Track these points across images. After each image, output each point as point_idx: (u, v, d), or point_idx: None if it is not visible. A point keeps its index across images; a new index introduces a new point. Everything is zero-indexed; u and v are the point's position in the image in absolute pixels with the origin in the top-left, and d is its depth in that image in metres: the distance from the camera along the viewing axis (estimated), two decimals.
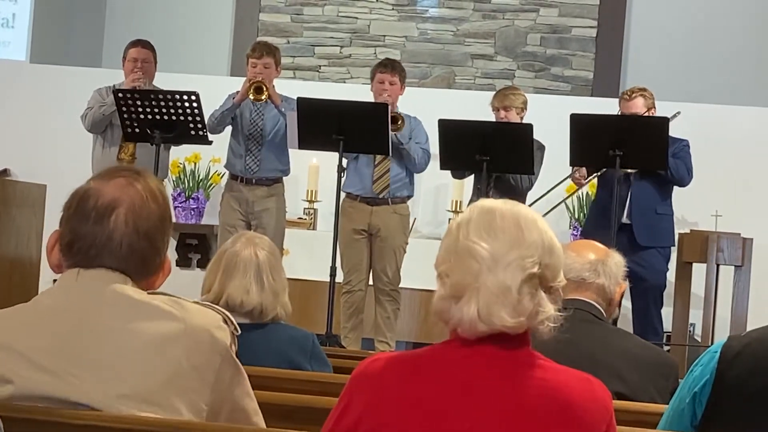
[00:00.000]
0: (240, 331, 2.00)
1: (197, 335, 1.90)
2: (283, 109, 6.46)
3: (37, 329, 1.89)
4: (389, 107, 6.18)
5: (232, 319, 1.98)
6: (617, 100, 6.64)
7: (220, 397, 1.92)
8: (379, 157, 6.45)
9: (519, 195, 6.24)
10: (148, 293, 1.95)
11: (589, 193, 7.43)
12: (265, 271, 3.16)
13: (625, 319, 6.46)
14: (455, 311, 1.80)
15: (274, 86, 6.51)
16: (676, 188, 6.46)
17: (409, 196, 6.65)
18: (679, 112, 6.46)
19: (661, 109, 6.47)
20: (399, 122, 6.35)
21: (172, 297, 1.95)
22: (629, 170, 6.28)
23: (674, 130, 6.20)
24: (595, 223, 6.38)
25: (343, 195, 6.44)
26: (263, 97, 6.38)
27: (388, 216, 6.47)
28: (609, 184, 6.22)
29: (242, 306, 3.13)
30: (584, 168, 6.39)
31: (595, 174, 6.45)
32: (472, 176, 6.58)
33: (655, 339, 6.26)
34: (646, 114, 6.33)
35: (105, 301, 1.91)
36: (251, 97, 6.39)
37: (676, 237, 6.67)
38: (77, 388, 1.84)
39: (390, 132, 6.08)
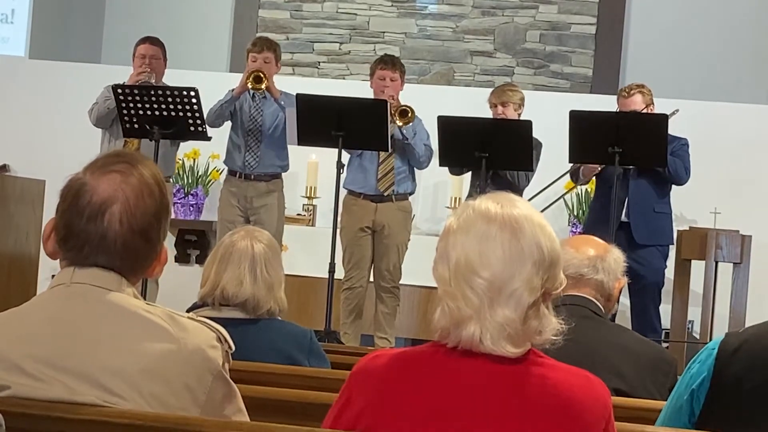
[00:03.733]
0: (234, 349, 1.98)
1: (190, 354, 1.89)
2: (282, 103, 6.47)
3: (30, 338, 1.87)
4: (389, 103, 6.18)
5: (227, 336, 1.96)
6: (616, 97, 6.63)
7: (211, 415, 1.91)
8: (383, 155, 6.45)
9: (516, 192, 6.20)
10: (146, 303, 1.94)
11: (588, 190, 7.43)
12: (260, 264, 3.15)
13: (624, 317, 6.46)
14: (455, 334, 1.79)
15: (273, 81, 6.51)
16: (674, 186, 6.46)
17: (411, 192, 6.65)
18: (677, 110, 6.46)
19: (661, 106, 6.47)
20: (409, 114, 6.34)
21: (168, 312, 1.93)
22: (628, 168, 6.27)
23: (673, 128, 6.19)
24: (595, 221, 6.37)
25: (344, 192, 6.43)
26: (262, 86, 6.38)
27: (392, 213, 6.48)
28: (608, 182, 6.22)
29: (235, 297, 3.13)
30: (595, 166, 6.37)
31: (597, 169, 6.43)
32: (470, 173, 6.58)
33: (654, 336, 6.26)
34: (645, 111, 6.32)
35: (100, 311, 1.89)
36: (249, 85, 6.39)
37: (675, 234, 6.67)
38: (70, 396, 1.84)
39: (391, 128, 6.08)
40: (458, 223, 1.82)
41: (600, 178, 6.47)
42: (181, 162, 7.94)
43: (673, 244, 6.57)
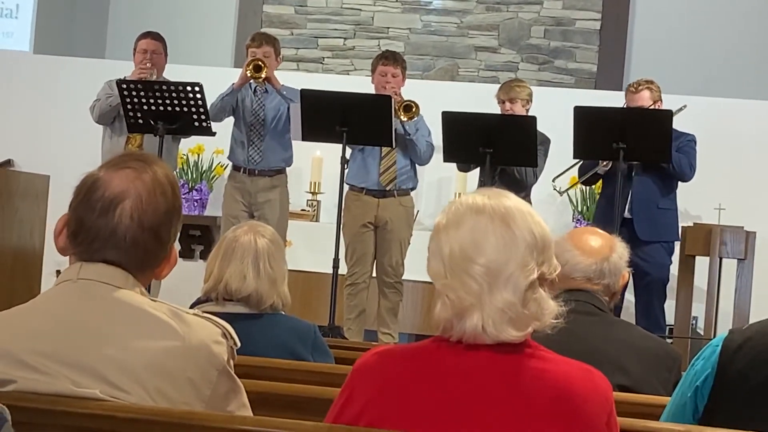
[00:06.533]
0: (239, 345, 1.98)
1: (195, 350, 1.90)
2: (284, 92, 6.47)
3: (36, 334, 1.88)
4: (393, 99, 6.18)
5: (232, 332, 1.97)
6: (621, 92, 6.61)
7: (215, 410, 1.92)
8: (385, 150, 6.45)
9: (524, 189, 6.24)
10: (151, 300, 1.94)
11: (593, 186, 7.41)
12: (263, 258, 3.15)
13: (628, 313, 6.45)
14: (459, 327, 1.79)
15: (274, 75, 6.51)
16: (680, 183, 6.45)
17: (413, 188, 6.65)
18: (685, 106, 6.44)
19: (669, 102, 6.45)
20: (413, 109, 6.34)
21: (173, 308, 1.94)
22: (632, 164, 6.26)
23: (678, 124, 6.19)
24: (602, 216, 6.37)
25: (347, 187, 6.44)
26: (262, 74, 6.38)
27: (394, 208, 6.48)
28: (613, 177, 6.21)
29: (239, 292, 3.13)
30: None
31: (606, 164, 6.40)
32: (478, 169, 6.57)
33: (659, 333, 6.26)
34: (652, 107, 6.30)
35: (105, 308, 1.90)
36: (249, 74, 6.39)
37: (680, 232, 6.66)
38: (75, 391, 1.84)
39: (394, 123, 6.08)
40: (448, 219, 1.83)
41: (607, 174, 6.46)
42: (185, 157, 7.95)
43: (678, 240, 6.55)
